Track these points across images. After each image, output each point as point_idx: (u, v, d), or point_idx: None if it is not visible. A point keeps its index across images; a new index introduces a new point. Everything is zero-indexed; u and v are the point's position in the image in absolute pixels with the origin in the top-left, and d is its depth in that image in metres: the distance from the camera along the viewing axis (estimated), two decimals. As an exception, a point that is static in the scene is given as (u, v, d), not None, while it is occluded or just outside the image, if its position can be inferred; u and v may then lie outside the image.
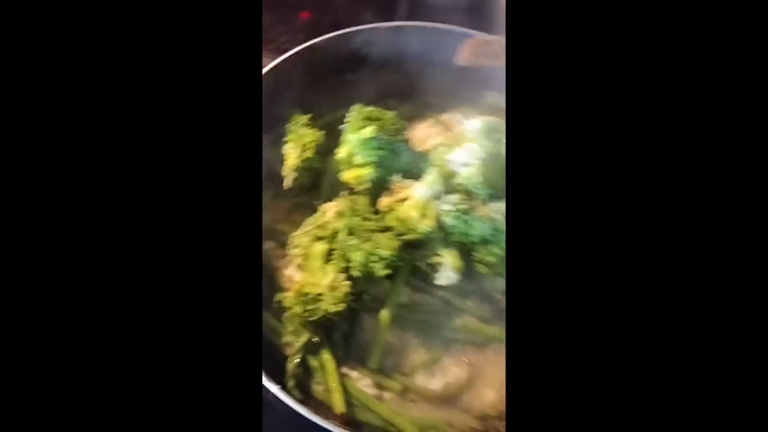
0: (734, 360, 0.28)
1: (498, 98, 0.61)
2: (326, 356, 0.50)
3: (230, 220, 0.30)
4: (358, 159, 0.54)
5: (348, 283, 0.48)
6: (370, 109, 0.56)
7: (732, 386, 0.28)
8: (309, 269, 0.50)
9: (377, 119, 0.55)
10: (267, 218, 0.57)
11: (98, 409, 0.28)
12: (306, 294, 0.48)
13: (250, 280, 0.30)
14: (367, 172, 0.54)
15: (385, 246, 0.49)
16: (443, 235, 0.52)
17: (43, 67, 0.29)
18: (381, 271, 0.49)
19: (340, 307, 0.47)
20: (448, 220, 0.52)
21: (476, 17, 0.64)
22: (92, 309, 0.29)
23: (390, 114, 0.57)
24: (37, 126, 0.29)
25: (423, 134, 0.61)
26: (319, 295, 0.48)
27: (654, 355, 0.28)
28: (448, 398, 0.51)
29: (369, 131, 0.53)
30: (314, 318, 0.48)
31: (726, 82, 0.29)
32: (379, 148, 0.54)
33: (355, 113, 0.55)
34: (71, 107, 0.29)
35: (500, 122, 0.57)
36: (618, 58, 0.30)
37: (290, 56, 0.59)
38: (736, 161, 0.28)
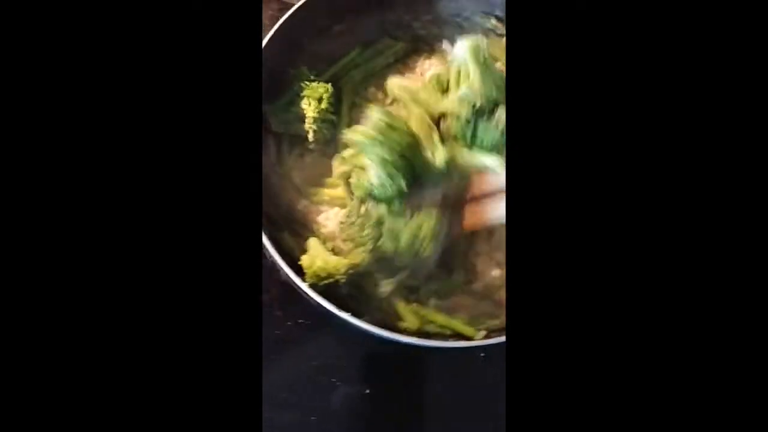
0: (733, 353, 0.28)
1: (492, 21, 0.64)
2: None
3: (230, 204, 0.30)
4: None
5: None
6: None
7: (731, 382, 0.28)
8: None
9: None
10: (297, 177, 0.62)
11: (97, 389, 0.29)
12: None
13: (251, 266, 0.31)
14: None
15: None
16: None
17: (34, 44, 0.29)
18: None
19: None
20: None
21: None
22: (89, 292, 0.29)
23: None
24: (33, 113, 0.29)
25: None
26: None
27: (649, 296, 0.29)
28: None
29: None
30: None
31: (726, 81, 0.29)
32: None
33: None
34: (61, 81, 0.29)
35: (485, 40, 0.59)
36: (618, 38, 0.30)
37: (286, 19, 0.60)
38: (736, 161, 0.29)
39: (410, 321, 0.55)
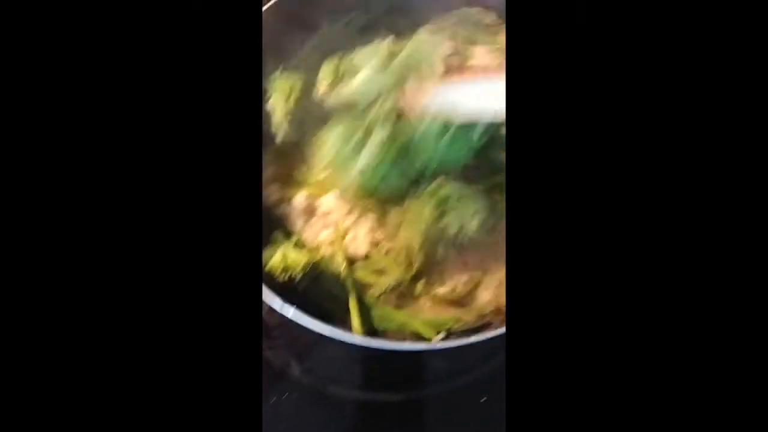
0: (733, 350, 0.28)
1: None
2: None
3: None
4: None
5: None
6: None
7: (732, 381, 0.28)
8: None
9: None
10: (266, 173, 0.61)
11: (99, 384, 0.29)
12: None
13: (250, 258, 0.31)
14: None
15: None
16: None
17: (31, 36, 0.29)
18: None
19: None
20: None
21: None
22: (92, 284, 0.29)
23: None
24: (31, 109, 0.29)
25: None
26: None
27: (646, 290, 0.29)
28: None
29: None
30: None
31: (726, 81, 0.29)
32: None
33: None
34: (61, 71, 0.29)
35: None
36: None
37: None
38: (736, 161, 0.29)
39: (362, 319, 0.54)
